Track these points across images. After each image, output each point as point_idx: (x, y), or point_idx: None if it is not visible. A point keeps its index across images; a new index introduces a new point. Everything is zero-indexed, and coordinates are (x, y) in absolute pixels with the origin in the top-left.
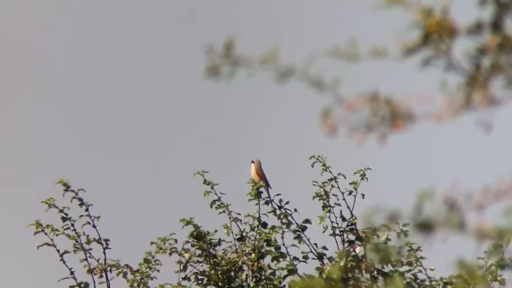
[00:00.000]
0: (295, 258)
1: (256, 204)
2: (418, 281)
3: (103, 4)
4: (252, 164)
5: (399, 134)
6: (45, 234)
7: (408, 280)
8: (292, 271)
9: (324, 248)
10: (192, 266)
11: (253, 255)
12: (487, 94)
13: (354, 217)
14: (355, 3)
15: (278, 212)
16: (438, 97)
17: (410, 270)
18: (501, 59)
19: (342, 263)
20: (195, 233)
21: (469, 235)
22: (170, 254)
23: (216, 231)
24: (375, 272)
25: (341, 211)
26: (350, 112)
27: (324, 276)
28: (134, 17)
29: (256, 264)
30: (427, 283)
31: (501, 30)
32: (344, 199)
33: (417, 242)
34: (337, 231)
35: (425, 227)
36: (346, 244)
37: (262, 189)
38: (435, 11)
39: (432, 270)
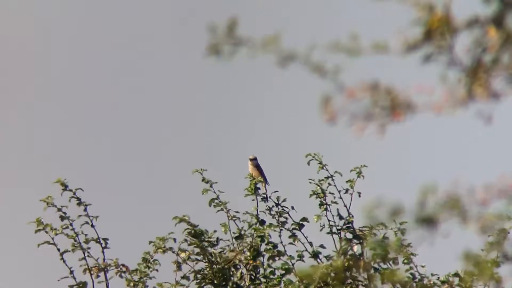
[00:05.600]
0: (291, 257)
1: (253, 200)
2: (416, 280)
3: (103, 4)
4: (249, 162)
5: (399, 126)
6: (46, 232)
7: (406, 279)
8: (288, 270)
9: (322, 246)
10: (188, 264)
11: (248, 253)
12: (487, 87)
13: (351, 215)
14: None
15: (274, 209)
16: (438, 89)
17: (407, 270)
18: (502, 56)
19: (339, 262)
20: (192, 232)
21: (472, 229)
22: (164, 252)
23: (215, 231)
24: (372, 271)
25: (338, 209)
26: (350, 100)
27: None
28: (134, 16)
29: (251, 262)
30: (426, 282)
31: (504, 27)
32: (340, 197)
33: (409, 239)
34: (334, 229)
35: (428, 221)
36: (343, 243)
37: (259, 185)
38: (437, 7)
39: (423, 267)
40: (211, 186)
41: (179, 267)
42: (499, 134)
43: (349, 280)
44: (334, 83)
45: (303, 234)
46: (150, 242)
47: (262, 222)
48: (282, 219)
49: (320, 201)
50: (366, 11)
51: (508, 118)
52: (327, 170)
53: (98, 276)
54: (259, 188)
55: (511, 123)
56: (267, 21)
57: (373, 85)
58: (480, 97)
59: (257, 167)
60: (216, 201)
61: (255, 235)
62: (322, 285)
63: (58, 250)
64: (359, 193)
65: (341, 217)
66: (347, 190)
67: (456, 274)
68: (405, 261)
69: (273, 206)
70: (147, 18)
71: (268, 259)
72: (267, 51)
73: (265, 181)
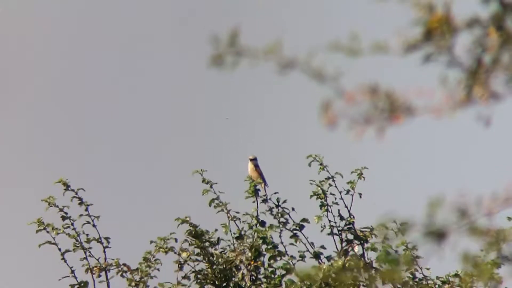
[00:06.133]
0: (292, 257)
1: (254, 202)
2: (416, 280)
3: (103, 4)
4: (249, 162)
5: (400, 128)
6: (47, 232)
7: (406, 279)
8: (289, 270)
9: (322, 247)
10: (189, 265)
11: (249, 253)
12: (487, 89)
13: (352, 216)
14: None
15: (275, 210)
16: (438, 91)
17: (408, 269)
18: (502, 56)
19: (340, 263)
20: (193, 232)
21: (483, 239)
22: (166, 252)
23: (216, 230)
24: (373, 271)
25: (338, 210)
26: (350, 104)
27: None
28: (134, 16)
29: (252, 263)
30: (424, 282)
31: (503, 28)
32: (341, 198)
33: (413, 242)
34: (335, 230)
35: (438, 235)
36: (344, 243)
37: (259, 186)
38: (437, 7)
39: (428, 269)
40: (211, 186)
41: (181, 267)
42: (499, 136)
43: (350, 281)
44: (333, 89)
45: (303, 234)
46: (151, 241)
47: (262, 224)
48: (282, 219)
49: (321, 202)
50: (366, 12)
51: (508, 120)
52: (327, 172)
53: (99, 276)
54: (259, 190)
55: (510, 125)
56: (266, 22)
57: (372, 89)
58: (480, 98)
59: (257, 168)
60: (216, 201)
61: (256, 236)
62: (324, 285)
63: (59, 249)
64: (360, 194)
65: (342, 218)
66: (348, 191)
67: (456, 275)
68: (408, 263)
69: (273, 208)
70: (148, 18)
71: (269, 259)
72: (268, 60)
73: (264, 182)
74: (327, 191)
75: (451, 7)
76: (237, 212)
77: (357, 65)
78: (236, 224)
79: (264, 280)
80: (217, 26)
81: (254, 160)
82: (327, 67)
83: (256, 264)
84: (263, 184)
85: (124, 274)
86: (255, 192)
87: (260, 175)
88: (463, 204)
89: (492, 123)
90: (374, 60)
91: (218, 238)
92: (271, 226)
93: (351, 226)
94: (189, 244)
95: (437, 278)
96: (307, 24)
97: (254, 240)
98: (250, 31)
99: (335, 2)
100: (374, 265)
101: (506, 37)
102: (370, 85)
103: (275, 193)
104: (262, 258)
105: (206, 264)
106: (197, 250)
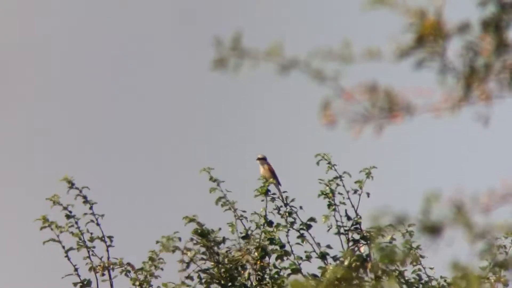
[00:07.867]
0: (299, 258)
1: (262, 201)
2: (422, 282)
3: (104, 4)
4: (259, 161)
5: (399, 128)
6: (51, 229)
7: (412, 280)
8: (296, 270)
9: (329, 247)
10: (195, 264)
11: (256, 253)
12: (484, 91)
13: (359, 216)
14: (349, 4)
15: (283, 210)
16: (436, 91)
17: (414, 271)
18: (495, 60)
19: (346, 263)
20: (199, 231)
21: (478, 236)
22: (173, 251)
23: (220, 229)
24: (379, 272)
25: (346, 210)
26: (349, 103)
27: (327, 275)
28: (135, 16)
29: (259, 262)
30: (433, 283)
31: (500, 30)
32: (349, 198)
33: (417, 241)
34: (341, 230)
35: (433, 230)
36: (350, 243)
37: (271, 186)
38: (428, 13)
39: (431, 269)
40: (218, 184)
41: (187, 266)
42: (497, 133)
43: (356, 281)
44: (333, 88)
45: (310, 234)
46: (157, 242)
47: (269, 223)
48: (290, 219)
49: (329, 201)
50: (358, 18)
51: (506, 117)
52: (335, 171)
53: (103, 275)
54: (269, 191)
55: (509, 125)
56: (264, 23)
57: (371, 87)
58: (477, 99)
59: (270, 168)
60: (223, 200)
61: (263, 236)
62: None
63: (63, 247)
64: (368, 194)
65: (349, 218)
66: (355, 191)
67: (464, 276)
68: (414, 263)
69: (281, 206)
70: (150, 15)
71: (276, 259)
72: (269, 61)
73: (278, 182)
74: (335, 191)
75: (442, 13)
76: (244, 211)
77: (355, 67)
78: (243, 224)
79: (270, 280)
80: (217, 27)
81: (263, 159)
82: (326, 67)
83: (262, 264)
84: (276, 185)
85: (127, 273)
86: (266, 192)
87: (273, 174)
88: (459, 200)
89: (491, 122)
90: (370, 65)
91: (223, 237)
92: (277, 225)
93: (358, 226)
94: (195, 243)
95: (441, 277)
96: (300, 32)
97: (260, 240)
98: (249, 32)
99: (327, 8)
100: (381, 266)
101: (500, 40)
102: (369, 84)
103: (283, 192)
104: (268, 258)
105: (212, 263)
106: (203, 249)
